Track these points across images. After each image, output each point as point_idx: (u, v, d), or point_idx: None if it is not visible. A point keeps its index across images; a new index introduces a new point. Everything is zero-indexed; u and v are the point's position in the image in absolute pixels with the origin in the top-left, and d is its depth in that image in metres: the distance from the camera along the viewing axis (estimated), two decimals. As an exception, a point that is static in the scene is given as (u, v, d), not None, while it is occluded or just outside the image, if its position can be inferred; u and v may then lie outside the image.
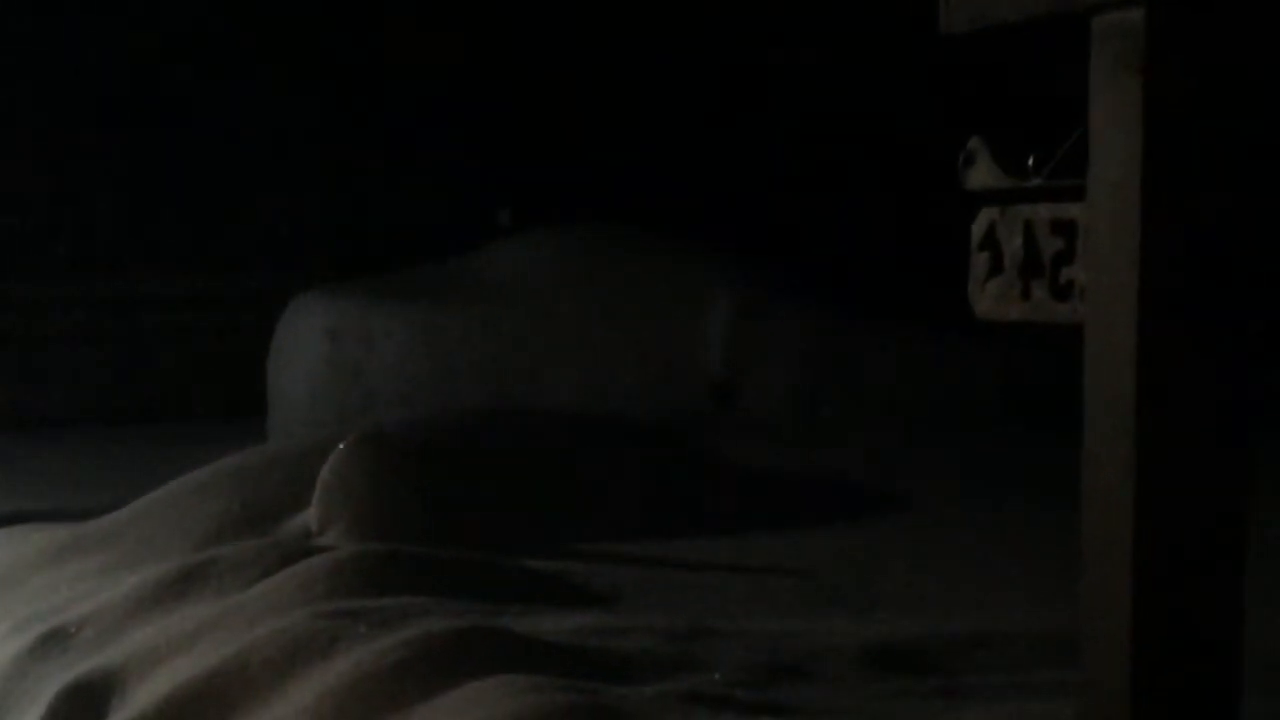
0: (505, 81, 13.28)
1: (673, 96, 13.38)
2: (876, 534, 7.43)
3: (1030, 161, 2.46)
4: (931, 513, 7.88)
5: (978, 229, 2.51)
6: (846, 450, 9.44)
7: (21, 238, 12.41)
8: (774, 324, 10.69)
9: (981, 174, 2.53)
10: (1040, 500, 6.80)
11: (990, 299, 2.49)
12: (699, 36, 13.37)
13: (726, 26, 13.32)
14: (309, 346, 10.99)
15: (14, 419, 11.69)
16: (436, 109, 13.18)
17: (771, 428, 10.13)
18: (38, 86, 12.40)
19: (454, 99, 13.20)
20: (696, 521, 7.46)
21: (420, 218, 13.08)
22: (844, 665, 4.99)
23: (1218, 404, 2.17)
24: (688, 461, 8.26)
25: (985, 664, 5.04)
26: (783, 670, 4.92)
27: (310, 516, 6.96)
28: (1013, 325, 2.52)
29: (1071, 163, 2.36)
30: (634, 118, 13.33)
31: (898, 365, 10.61)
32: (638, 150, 13.20)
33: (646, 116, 13.33)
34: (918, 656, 5.10)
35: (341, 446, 7.11)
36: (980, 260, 2.51)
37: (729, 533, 7.32)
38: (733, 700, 4.59)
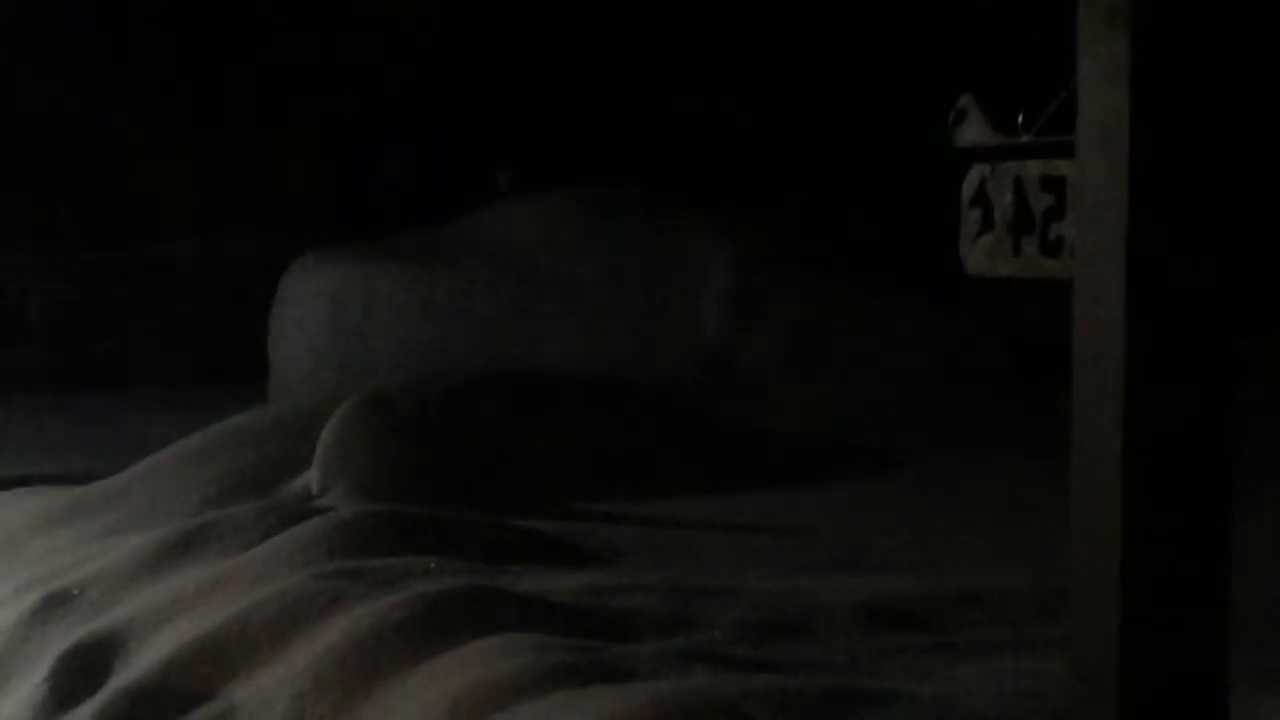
0: (505, 45, 13.26)
1: (671, 61, 13.35)
2: (873, 493, 7.46)
3: (1020, 118, 2.47)
4: (928, 472, 7.91)
5: (968, 186, 2.52)
6: (843, 411, 9.46)
7: (21, 204, 12.41)
8: (771, 286, 10.69)
9: (972, 131, 2.55)
10: (1037, 459, 6.82)
11: (981, 255, 2.51)
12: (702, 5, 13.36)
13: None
14: (310, 310, 11.01)
15: (16, 384, 11.69)
16: (436, 73, 13.17)
17: (769, 389, 10.14)
18: (34, 54, 12.38)
19: (453, 63, 13.18)
20: (694, 482, 7.48)
21: (419, 181, 13.08)
22: (841, 622, 5.01)
23: (1205, 358, 2.19)
24: (685, 422, 8.29)
25: (981, 621, 5.07)
26: (780, 628, 4.95)
27: (311, 478, 6.98)
28: (1008, 282, 2.54)
29: (1062, 119, 2.37)
30: (633, 82, 13.31)
31: (895, 326, 10.61)
32: (637, 113, 13.19)
33: (645, 80, 13.31)
34: (914, 614, 5.12)
35: (342, 409, 7.13)
36: (971, 217, 2.52)
37: (726, 493, 7.35)
38: (731, 657, 4.62)
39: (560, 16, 13.33)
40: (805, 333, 10.53)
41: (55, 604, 5.80)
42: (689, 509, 7.00)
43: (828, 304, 10.65)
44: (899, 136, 12.40)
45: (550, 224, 11.18)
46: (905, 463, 8.15)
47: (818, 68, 13.33)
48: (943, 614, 5.13)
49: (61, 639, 5.48)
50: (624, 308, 10.72)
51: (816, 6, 13.23)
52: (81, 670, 5.28)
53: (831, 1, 13.19)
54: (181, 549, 6.01)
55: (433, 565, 5.43)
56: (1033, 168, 2.42)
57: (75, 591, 5.85)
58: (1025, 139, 2.45)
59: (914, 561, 5.97)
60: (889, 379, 10.14)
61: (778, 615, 5.07)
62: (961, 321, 10.51)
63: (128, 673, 5.20)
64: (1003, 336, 10.42)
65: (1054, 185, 2.38)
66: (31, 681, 5.36)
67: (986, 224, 2.49)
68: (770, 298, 10.65)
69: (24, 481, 7.95)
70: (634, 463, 7.62)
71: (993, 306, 10.15)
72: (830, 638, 4.91)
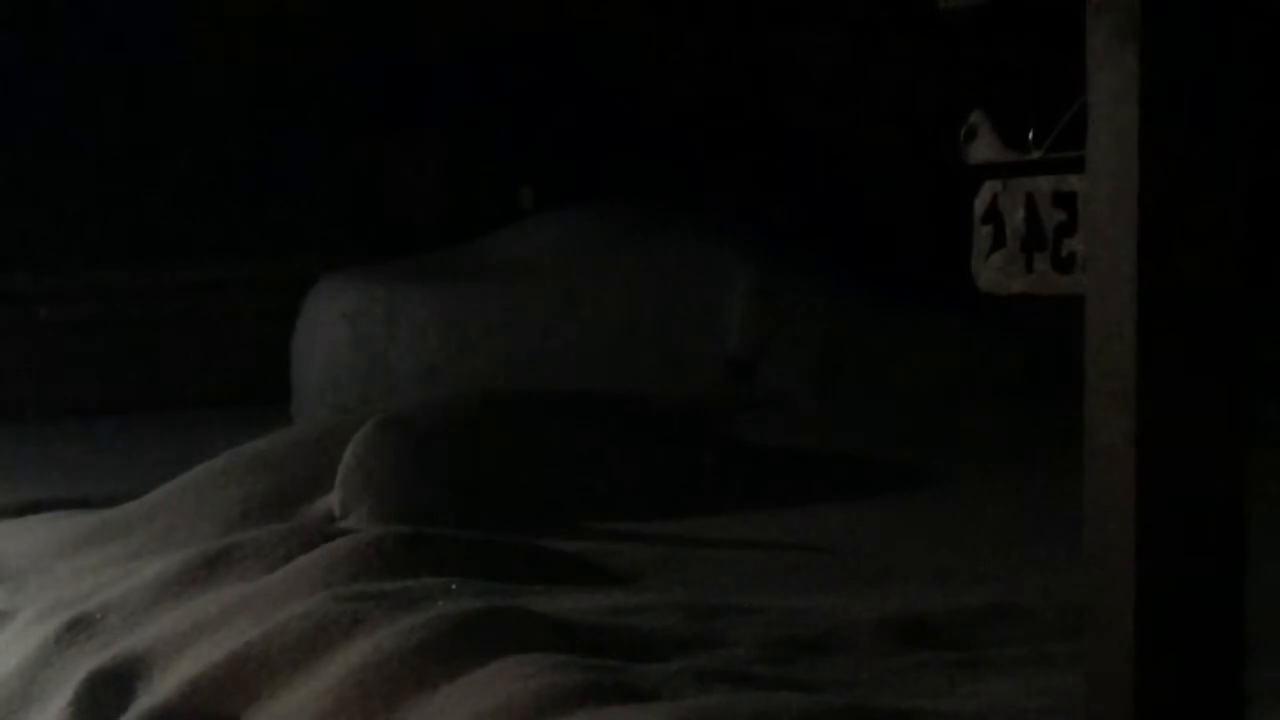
0: (526, 59, 13.28)
1: (694, 74, 13.36)
2: (895, 509, 7.44)
3: (1031, 134, 2.47)
4: (950, 488, 7.88)
5: (980, 203, 2.53)
6: (865, 427, 9.44)
7: (37, 226, 12.44)
8: (794, 302, 10.68)
9: (983, 148, 2.55)
10: (1059, 474, 6.80)
11: (993, 272, 2.51)
12: (722, 14, 13.36)
13: (748, 5, 13.30)
14: (331, 330, 11.02)
15: (37, 408, 11.72)
16: (457, 88, 13.19)
17: (791, 405, 10.13)
18: (48, 69, 12.42)
19: (475, 78, 13.20)
20: (716, 499, 7.47)
21: (441, 199, 13.10)
22: (864, 640, 5.00)
23: (1216, 374, 2.19)
24: (707, 440, 8.27)
25: (1005, 637, 5.06)
26: (803, 646, 4.94)
27: (333, 500, 6.98)
28: (1025, 299, 2.54)
29: (1073, 135, 2.37)
30: (656, 95, 13.32)
31: (916, 342, 10.60)
32: (659, 128, 13.19)
33: (669, 94, 13.32)
34: (937, 630, 5.11)
35: (363, 430, 7.13)
36: (983, 234, 2.53)
37: (748, 510, 7.33)
38: (753, 676, 4.62)
39: (583, 30, 13.35)
40: (828, 349, 10.52)
41: (78, 628, 5.81)
42: (711, 527, 6.99)
43: (850, 321, 10.64)
44: (920, 149, 12.39)
45: (572, 240, 11.18)
46: (929, 478, 8.12)
47: (836, 78, 13.34)
48: (966, 630, 5.12)
49: (84, 664, 5.48)
50: (646, 324, 10.72)
51: (833, 12, 13.23)
52: (104, 695, 5.29)
53: (847, 7, 13.20)
54: (204, 572, 6.02)
55: (454, 586, 5.43)
56: (1044, 184, 2.42)
57: (98, 615, 5.86)
58: (1036, 155, 2.45)
59: (937, 577, 5.95)
60: (913, 394, 10.12)
61: (800, 633, 5.06)
62: (986, 334, 10.49)
63: (150, 697, 5.21)
64: (1029, 349, 10.39)
65: (1065, 201, 2.38)
66: (56, 706, 5.37)
67: (998, 240, 2.49)
68: (793, 314, 10.64)
69: (46, 506, 7.97)
70: (655, 481, 7.61)
71: (1019, 319, 10.14)
72: (853, 655, 4.90)
